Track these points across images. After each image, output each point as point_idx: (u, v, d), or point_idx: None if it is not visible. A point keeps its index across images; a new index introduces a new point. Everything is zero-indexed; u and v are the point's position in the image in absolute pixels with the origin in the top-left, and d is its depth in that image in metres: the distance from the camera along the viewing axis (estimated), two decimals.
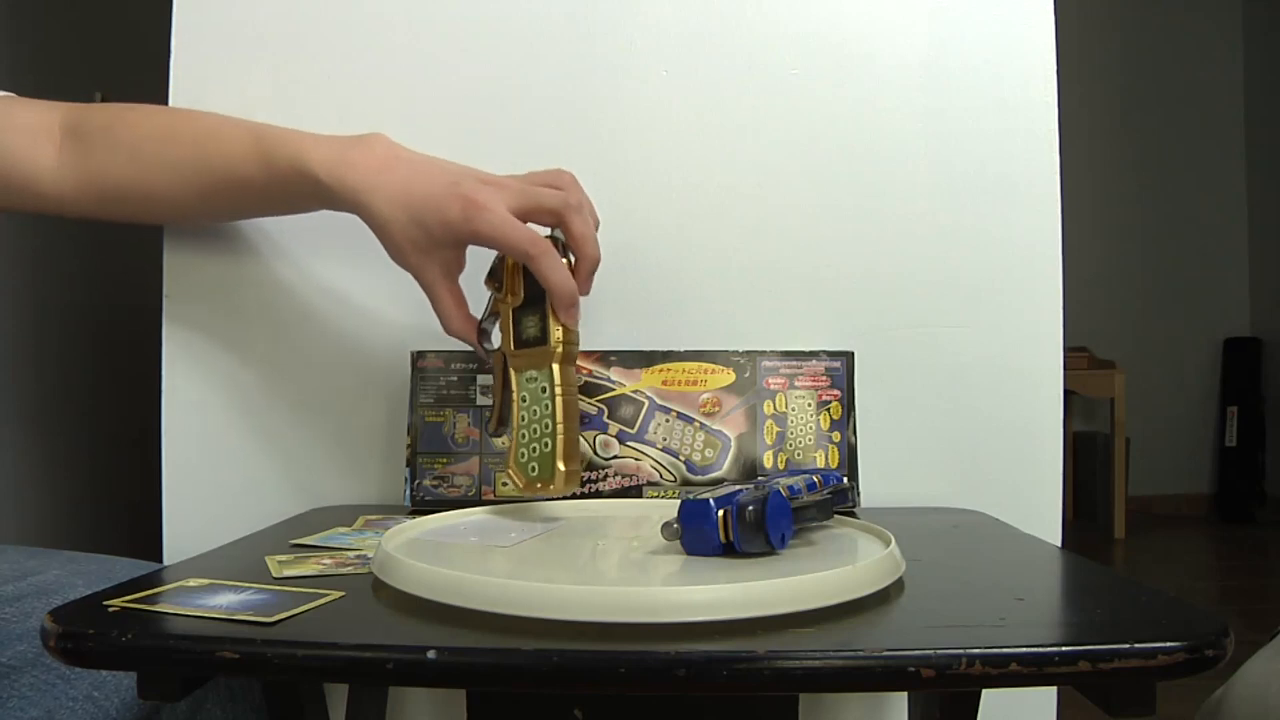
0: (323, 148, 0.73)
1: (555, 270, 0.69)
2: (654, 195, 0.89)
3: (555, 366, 0.69)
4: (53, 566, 0.70)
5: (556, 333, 0.70)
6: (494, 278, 0.73)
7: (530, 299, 0.71)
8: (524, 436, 0.70)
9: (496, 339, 0.74)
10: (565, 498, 0.76)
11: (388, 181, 0.72)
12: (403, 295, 0.87)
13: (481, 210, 0.69)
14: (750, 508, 0.55)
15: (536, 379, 0.70)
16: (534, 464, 0.69)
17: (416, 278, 0.73)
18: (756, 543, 0.55)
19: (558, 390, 0.69)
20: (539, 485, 0.69)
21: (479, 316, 0.74)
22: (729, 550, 0.56)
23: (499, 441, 0.79)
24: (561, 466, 0.68)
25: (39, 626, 0.46)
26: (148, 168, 0.78)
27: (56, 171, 0.77)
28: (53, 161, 0.77)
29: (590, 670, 0.43)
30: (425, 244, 0.71)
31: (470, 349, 0.75)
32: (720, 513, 0.56)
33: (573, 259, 0.72)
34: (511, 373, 0.71)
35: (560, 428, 0.68)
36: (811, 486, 0.67)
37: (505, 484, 0.81)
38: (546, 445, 0.69)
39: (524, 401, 0.70)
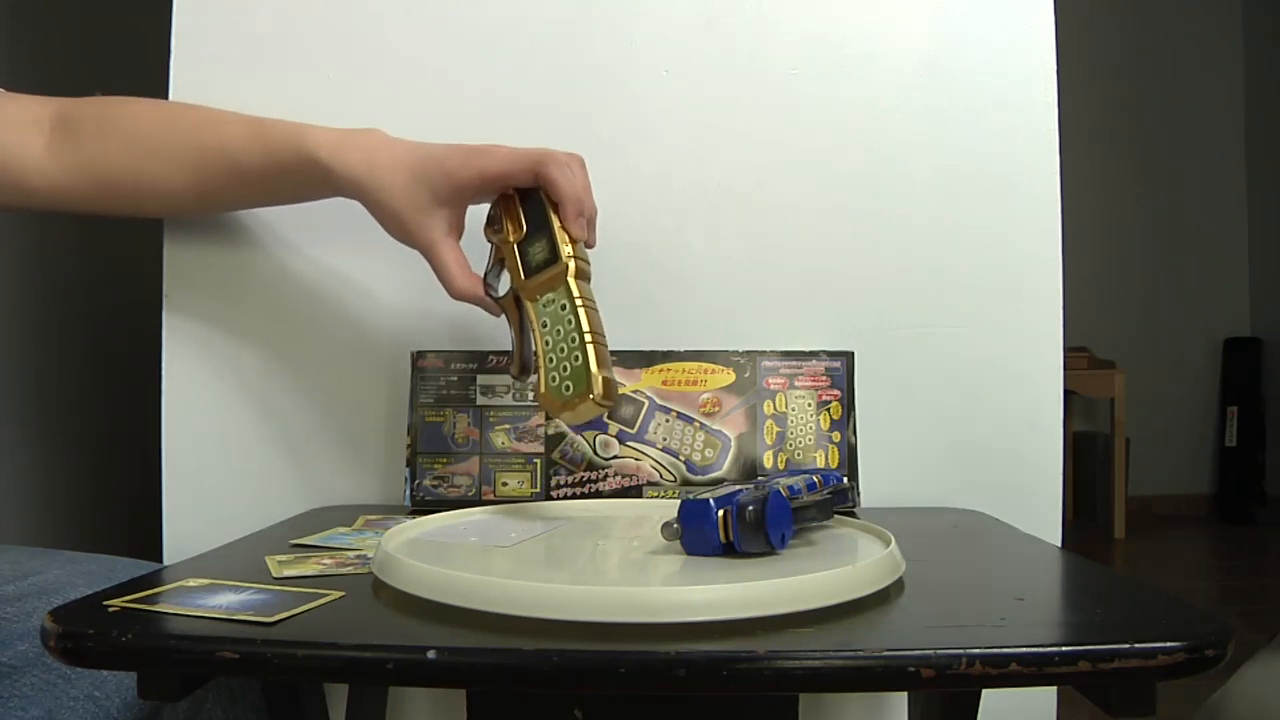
0: (324, 133, 0.75)
1: (565, 177, 0.70)
2: (654, 195, 0.89)
3: (571, 281, 0.69)
4: (53, 566, 0.70)
5: (566, 248, 0.69)
6: (493, 223, 0.73)
7: (532, 229, 0.71)
8: (551, 361, 0.68)
9: (502, 289, 0.74)
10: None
11: (387, 155, 0.73)
12: (403, 295, 0.87)
13: (484, 153, 0.72)
14: (750, 508, 0.55)
15: (554, 299, 0.69)
16: (567, 383, 0.67)
17: (418, 242, 0.73)
18: (756, 543, 0.55)
19: (578, 303, 0.68)
20: (577, 401, 0.66)
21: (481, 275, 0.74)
22: (729, 550, 0.56)
23: (538, 397, 0.77)
24: (599, 373, 0.66)
25: (40, 626, 0.46)
26: (143, 155, 0.77)
27: (47, 163, 0.77)
28: (43, 154, 0.77)
29: (590, 670, 0.43)
30: (427, 202, 0.72)
31: (478, 337, 0.75)
32: (720, 513, 0.56)
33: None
34: (528, 305, 0.70)
35: (589, 337, 0.67)
36: (811, 486, 0.67)
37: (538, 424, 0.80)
38: (577, 359, 0.67)
39: (545, 327, 0.69)
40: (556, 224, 0.70)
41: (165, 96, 0.89)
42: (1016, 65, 0.89)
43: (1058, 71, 0.89)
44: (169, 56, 0.89)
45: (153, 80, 0.91)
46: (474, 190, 0.73)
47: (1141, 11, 4.11)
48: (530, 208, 0.72)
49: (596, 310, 0.69)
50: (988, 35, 0.89)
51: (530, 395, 0.81)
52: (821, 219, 0.89)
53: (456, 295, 0.73)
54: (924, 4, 0.89)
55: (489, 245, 0.74)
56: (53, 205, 0.79)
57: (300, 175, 0.75)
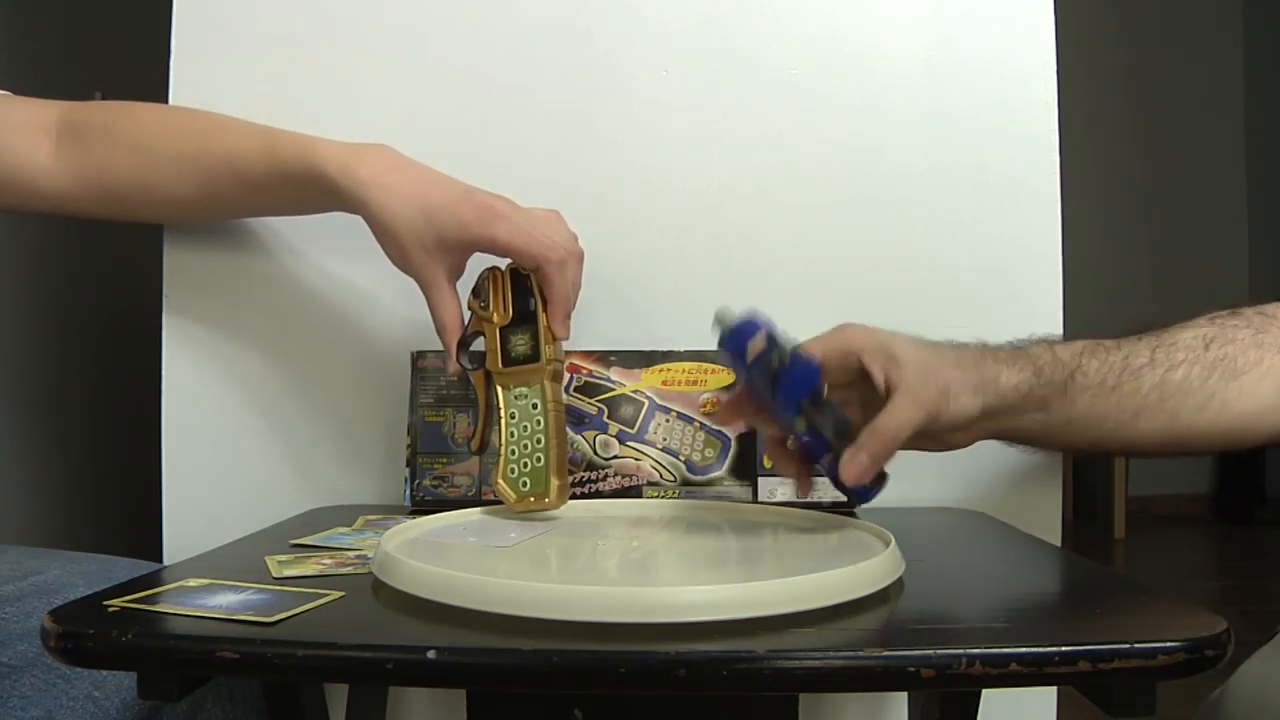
0: (333, 147, 0.74)
1: (562, 279, 0.71)
2: (654, 195, 0.89)
3: (546, 383, 0.71)
4: (53, 566, 0.70)
5: (549, 350, 0.71)
6: (479, 296, 0.73)
7: (518, 319, 0.72)
8: (513, 452, 0.70)
9: (474, 356, 0.74)
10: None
11: (398, 181, 0.73)
12: (403, 296, 0.87)
13: (500, 217, 0.71)
14: (784, 351, 0.61)
15: (527, 395, 0.71)
16: (525, 479, 0.70)
17: (417, 276, 0.73)
18: (765, 391, 0.60)
19: (549, 406, 0.70)
20: (531, 500, 0.69)
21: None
22: (750, 374, 0.62)
23: (494, 482, 0.79)
24: (555, 481, 0.69)
25: (39, 626, 0.46)
26: (149, 162, 0.77)
27: (53, 168, 0.77)
28: (49, 158, 0.77)
29: (590, 670, 0.43)
30: (434, 244, 0.72)
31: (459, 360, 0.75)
32: (762, 336, 0.62)
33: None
34: (499, 390, 0.72)
35: (553, 442, 0.70)
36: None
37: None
38: (539, 460, 0.70)
39: (513, 418, 0.71)
40: (543, 322, 0.71)
41: (165, 97, 0.89)
42: (1016, 64, 0.89)
43: (1058, 71, 0.88)
44: (169, 56, 0.89)
45: (153, 80, 0.91)
46: (480, 249, 0.73)
47: (1142, 11, 4.11)
48: (519, 296, 0.72)
49: (564, 413, 0.72)
50: (988, 35, 0.89)
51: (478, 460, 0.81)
52: (821, 219, 0.89)
53: (441, 334, 0.74)
54: (924, 4, 0.89)
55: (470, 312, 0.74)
56: (59, 210, 0.79)
57: (307, 189, 0.75)
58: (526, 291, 0.72)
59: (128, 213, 0.81)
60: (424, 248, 0.72)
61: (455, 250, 0.72)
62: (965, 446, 0.69)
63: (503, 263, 0.73)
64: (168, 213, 0.84)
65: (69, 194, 0.78)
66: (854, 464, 0.61)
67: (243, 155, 0.76)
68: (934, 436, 0.64)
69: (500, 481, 0.70)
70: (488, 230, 0.71)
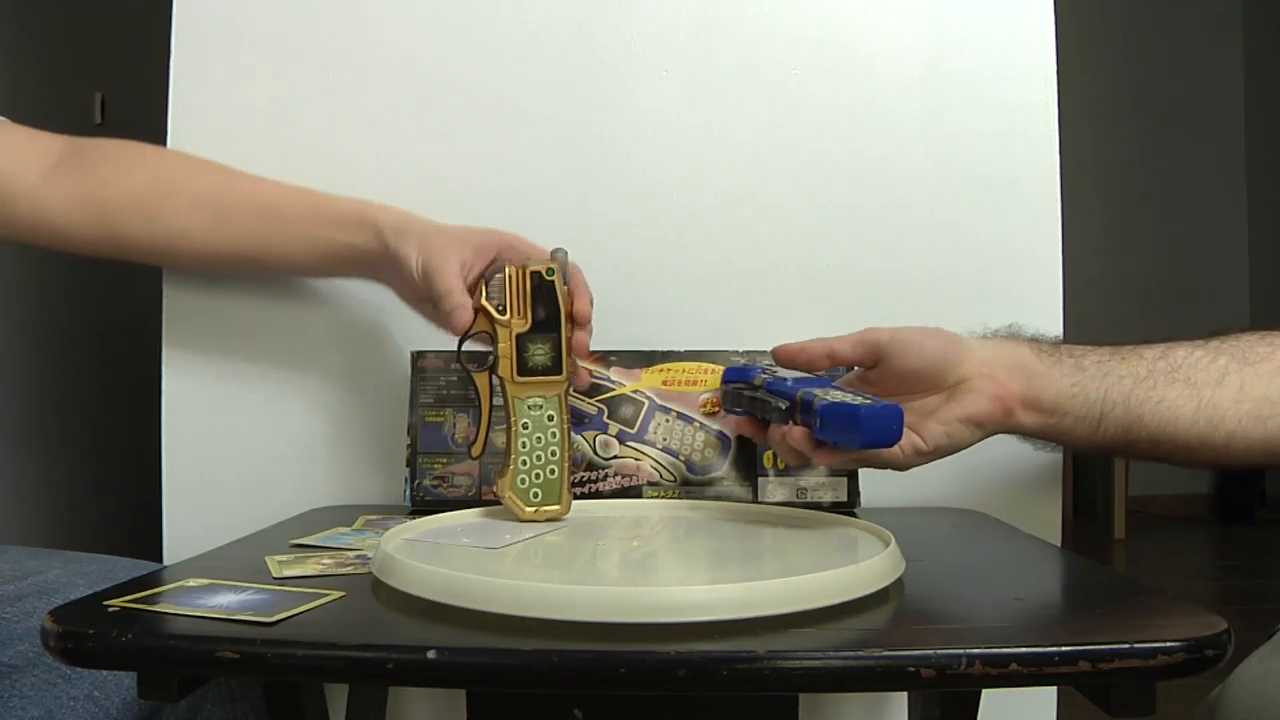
0: (385, 212, 0.76)
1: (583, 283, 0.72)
2: (654, 195, 0.89)
3: (563, 396, 0.70)
4: (53, 566, 0.70)
5: (570, 359, 0.70)
6: (492, 296, 0.70)
7: (538, 326, 0.69)
8: (525, 463, 0.69)
9: (476, 354, 0.73)
10: None
11: (441, 229, 0.75)
12: None
13: (516, 236, 0.75)
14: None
15: (542, 407, 0.70)
16: (537, 490, 0.69)
17: (428, 268, 0.72)
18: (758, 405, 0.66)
19: (566, 420, 0.70)
20: (544, 510, 0.69)
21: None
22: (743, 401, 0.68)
23: (502, 492, 0.77)
24: (568, 492, 0.69)
25: (39, 626, 0.46)
26: (162, 187, 0.77)
27: (41, 190, 0.75)
28: (38, 174, 0.76)
29: (590, 670, 0.43)
30: (448, 244, 0.72)
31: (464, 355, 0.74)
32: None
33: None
34: (511, 398, 0.70)
35: (568, 455, 0.70)
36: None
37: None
38: (553, 472, 0.69)
39: (525, 428, 0.69)
40: (566, 334, 0.69)
41: (165, 97, 0.88)
42: (1016, 65, 0.89)
43: (1058, 71, 0.89)
44: (169, 56, 0.89)
45: (153, 80, 0.91)
46: (505, 241, 0.74)
47: (1142, 12, 4.11)
48: (540, 302, 0.69)
49: (571, 426, 0.72)
50: (988, 35, 0.89)
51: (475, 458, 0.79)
52: (821, 219, 0.89)
53: (442, 300, 0.72)
54: (924, 4, 0.89)
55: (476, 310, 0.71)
56: (49, 237, 0.77)
57: (343, 227, 0.76)
58: (546, 297, 0.69)
59: (125, 243, 0.77)
60: (444, 247, 0.72)
61: (475, 247, 0.73)
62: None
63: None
64: (170, 245, 0.79)
65: (59, 218, 0.75)
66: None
67: (273, 193, 0.77)
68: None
69: (509, 493, 0.69)
70: (505, 239, 0.73)
